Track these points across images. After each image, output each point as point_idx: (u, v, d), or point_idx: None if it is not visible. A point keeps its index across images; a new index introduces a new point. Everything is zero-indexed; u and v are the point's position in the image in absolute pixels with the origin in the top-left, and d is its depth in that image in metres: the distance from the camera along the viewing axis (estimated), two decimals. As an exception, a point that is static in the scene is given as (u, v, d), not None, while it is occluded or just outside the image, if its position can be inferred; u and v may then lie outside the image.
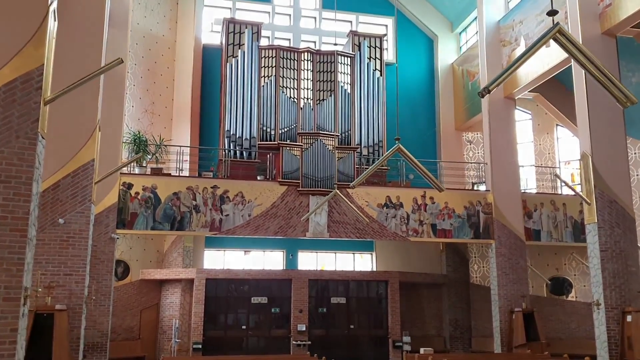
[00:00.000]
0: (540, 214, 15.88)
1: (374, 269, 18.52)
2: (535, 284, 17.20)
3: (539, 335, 14.23)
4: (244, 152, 15.90)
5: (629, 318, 11.14)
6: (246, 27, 16.71)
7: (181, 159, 15.03)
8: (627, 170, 12.41)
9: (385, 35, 18.88)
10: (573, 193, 13.86)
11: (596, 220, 11.78)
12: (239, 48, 16.51)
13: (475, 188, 16.54)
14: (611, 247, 11.70)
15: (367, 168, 12.32)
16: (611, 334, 11.33)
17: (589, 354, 11.85)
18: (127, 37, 14.14)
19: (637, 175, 15.36)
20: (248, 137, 16.02)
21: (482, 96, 6.16)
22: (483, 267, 18.03)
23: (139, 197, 13.65)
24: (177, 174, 14.76)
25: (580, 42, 11.70)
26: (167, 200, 13.79)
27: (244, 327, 15.95)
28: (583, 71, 11.77)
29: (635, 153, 15.52)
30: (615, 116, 12.16)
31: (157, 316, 16.09)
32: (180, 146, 15.39)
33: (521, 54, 5.78)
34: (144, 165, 14.52)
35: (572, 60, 12.06)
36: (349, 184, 13.84)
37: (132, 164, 13.92)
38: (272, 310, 16.18)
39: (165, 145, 15.45)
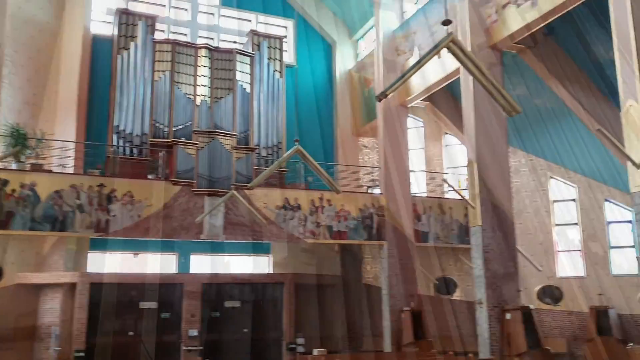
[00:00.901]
0: (429, 216, 16.59)
1: (270, 272, 18.41)
2: (424, 283, 17.92)
3: (426, 334, 14.84)
4: (135, 150, 15.18)
5: (508, 316, 11.89)
6: (140, 19, 16.00)
7: (65, 154, 14.04)
8: (508, 177, 13.28)
9: (286, 37, 18.87)
10: (459, 197, 14.60)
11: (480, 224, 12.48)
12: (132, 40, 15.77)
13: (369, 191, 16.98)
14: (493, 249, 12.45)
15: (266, 169, 12.22)
16: (492, 331, 12.04)
17: (472, 351, 12.52)
18: (5, 21, 13.00)
19: (516, 182, 16.47)
20: (139, 134, 15.33)
21: (379, 100, 6.27)
22: (375, 267, 18.50)
23: (15, 194, 12.57)
24: (60, 171, 13.76)
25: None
26: (47, 199, 12.83)
27: (131, 333, 15.20)
28: (471, 82, 12.50)
29: (515, 161, 16.65)
30: (499, 126, 12.96)
31: (34, 323, 14.91)
32: (64, 141, 14.39)
33: (417, 60, 5.95)
34: (23, 160, 13.40)
35: (462, 70, 12.81)
36: (246, 185, 13.66)
37: (9, 159, 12.81)
38: (162, 315, 15.57)
39: (47, 140, 14.33)
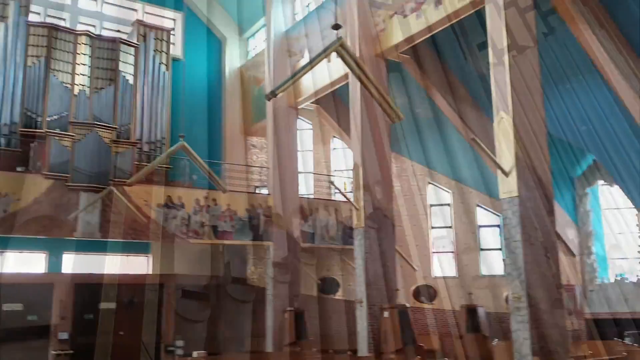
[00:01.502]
0: (315, 218, 16.80)
1: (150, 272, 17.67)
2: (308, 284, 18.11)
3: (308, 333, 14.99)
4: (2, 139, 13.93)
5: (385, 314, 12.32)
6: (12, -1, 14.73)
7: None
8: (390, 182, 13.79)
9: (174, 29, 18.24)
10: (345, 200, 14.93)
11: (363, 225, 12.84)
12: (2, 21, 14.46)
13: (257, 191, 16.87)
14: (375, 249, 12.86)
15: (148, 165, 11.70)
16: (371, 329, 12.43)
17: (351, 349, 12.83)
18: None
19: (398, 186, 17.15)
20: (8, 122, 14.09)
21: (269, 99, 6.22)
22: (260, 268, 18.40)
23: None
24: None
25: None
26: None
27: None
28: (358, 88, 12.84)
29: (397, 166, 17.33)
30: (383, 132, 13.42)
31: None
32: None
33: (307, 62, 5.96)
34: None
35: (350, 75, 13.10)
36: (126, 181, 13.01)
37: None
38: (29, 317, 14.41)
39: None
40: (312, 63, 6.05)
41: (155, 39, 16.84)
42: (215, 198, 15.09)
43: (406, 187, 17.66)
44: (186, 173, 15.69)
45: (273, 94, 6.09)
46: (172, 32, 17.58)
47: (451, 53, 14.55)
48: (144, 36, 16.68)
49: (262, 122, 18.17)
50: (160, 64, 16.78)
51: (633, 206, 15.33)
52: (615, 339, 13.63)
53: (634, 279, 15.34)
